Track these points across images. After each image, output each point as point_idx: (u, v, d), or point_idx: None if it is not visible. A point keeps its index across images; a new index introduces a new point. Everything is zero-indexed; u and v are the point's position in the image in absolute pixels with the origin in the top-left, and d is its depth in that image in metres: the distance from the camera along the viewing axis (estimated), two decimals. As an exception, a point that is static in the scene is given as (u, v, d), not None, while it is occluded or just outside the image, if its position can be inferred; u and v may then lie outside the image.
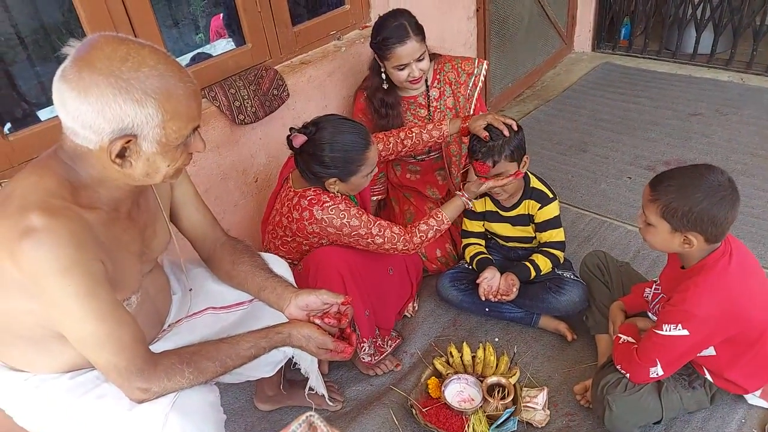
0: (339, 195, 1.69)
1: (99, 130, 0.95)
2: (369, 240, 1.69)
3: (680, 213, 1.35)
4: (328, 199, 1.65)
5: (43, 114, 1.81)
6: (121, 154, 0.99)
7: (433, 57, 2.19)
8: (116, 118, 0.94)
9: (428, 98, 2.20)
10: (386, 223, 1.72)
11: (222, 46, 2.33)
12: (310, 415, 1.37)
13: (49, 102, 1.89)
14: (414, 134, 1.97)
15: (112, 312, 1.02)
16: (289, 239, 1.75)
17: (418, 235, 1.78)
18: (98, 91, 0.92)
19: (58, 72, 0.95)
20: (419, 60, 2.01)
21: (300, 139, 1.62)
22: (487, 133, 1.78)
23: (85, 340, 1.02)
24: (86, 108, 0.93)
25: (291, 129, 1.66)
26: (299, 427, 1.31)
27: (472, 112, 2.21)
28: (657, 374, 1.48)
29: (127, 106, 0.94)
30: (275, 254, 1.61)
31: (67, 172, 1.03)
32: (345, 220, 1.64)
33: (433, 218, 1.81)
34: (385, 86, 2.11)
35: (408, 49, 1.97)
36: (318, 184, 1.67)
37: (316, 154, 1.61)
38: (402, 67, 2.01)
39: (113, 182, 1.06)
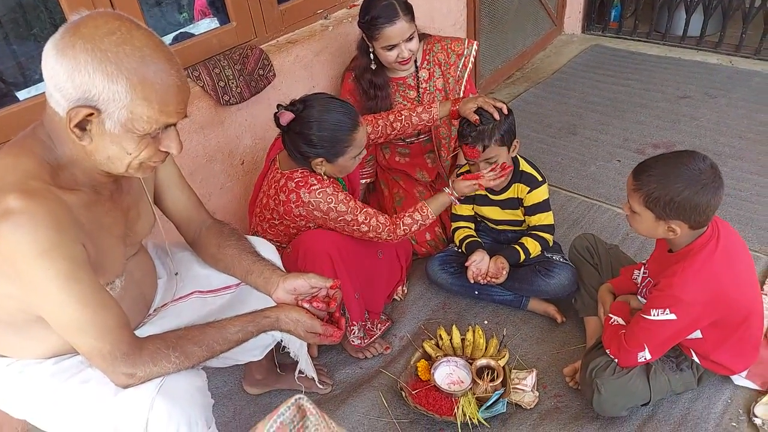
0: (326, 178, 1.66)
1: (66, 95, 0.92)
2: (354, 227, 1.67)
3: (662, 202, 1.35)
4: (315, 181, 1.62)
5: (22, 94, 1.76)
6: (82, 126, 0.95)
7: (423, 37, 2.16)
8: (83, 86, 0.91)
9: (417, 79, 2.17)
10: (373, 212, 1.70)
11: (206, 25, 2.27)
12: (299, 398, 1.36)
13: (27, 82, 1.85)
14: (403, 117, 1.94)
15: (95, 296, 0.99)
16: (276, 222, 1.73)
17: (402, 228, 1.75)
18: (73, 54, 0.90)
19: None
20: (408, 40, 1.98)
21: (287, 117, 1.59)
22: (478, 117, 1.76)
23: (67, 324, 1.00)
24: (59, 69, 0.91)
25: (278, 106, 1.62)
26: (288, 409, 1.30)
27: (461, 94, 2.18)
28: (645, 358, 1.49)
29: (97, 76, 0.91)
30: (263, 237, 1.59)
31: (45, 151, 1.00)
32: (332, 204, 1.62)
33: (419, 212, 1.78)
34: (373, 67, 2.08)
35: (397, 29, 1.93)
36: (305, 164, 1.65)
37: (303, 132, 1.58)
38: (391, 47, 1.98)
39: (83, 162, 1.03)
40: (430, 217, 1.79)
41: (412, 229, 1.77)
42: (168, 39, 2.15)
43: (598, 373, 1.53)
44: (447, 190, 1.84)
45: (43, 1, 1.85)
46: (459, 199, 1.85)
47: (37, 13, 1.87)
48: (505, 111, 1.78)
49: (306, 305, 1.23)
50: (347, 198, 1.65)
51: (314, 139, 1.57)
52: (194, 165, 1.96)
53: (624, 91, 3.40)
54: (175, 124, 1.03)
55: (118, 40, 0.92)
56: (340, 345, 1.94)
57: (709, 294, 1.39)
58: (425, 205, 1.80)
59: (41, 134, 1.01)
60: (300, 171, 1.64)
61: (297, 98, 1.64)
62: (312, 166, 1.64)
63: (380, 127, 1.95)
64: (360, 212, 1.67)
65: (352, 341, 1.85)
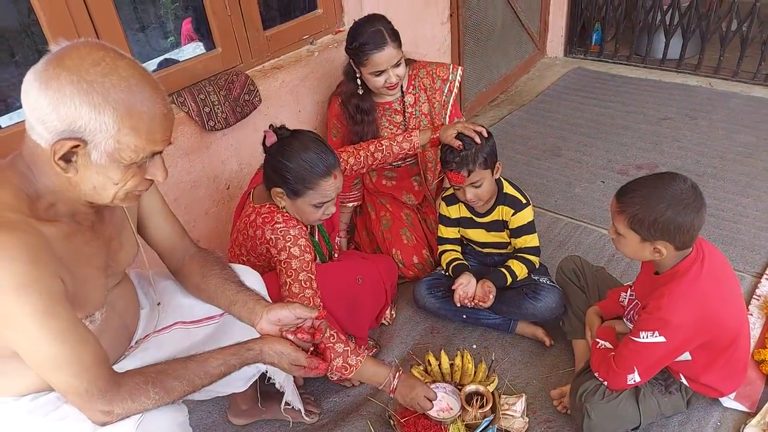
0: (293, 218, 1.63)
1: (50, 127, 0.91)
2: (290, 279, 1.55)
3: (646, 224, 1.36)
4: (280, 219, 1.60)
5: (3, 121, 1.73)
6: (67, 158, 0.94)
7: (408, 63, 2.18)
8: (69, 118, 0.90)
9: (404, 104, 2.18)
10: (314, 292, 1.57)
11: (191, 50, 2.27)
12: None
13: (8, 108, 1.82)
14: (384, 146, 1.95)
15: (72, 332, 0.97)
16: (244, 258, 1.71)
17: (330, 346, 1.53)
18: (58, 85, 0.89)
19: (33, 66, 0.93)
20: (396, 66, 2.00)
21: (271, 138, 1.59)
22: (461, 142, 1.76)
23: (42, 361, 0.97)
24: (43, 100, 0.89)
25: (270, 126, 1.61)
26: None
27: (447, 119, 2.20)
28: (634, 381, 1.48)
29: (83, 108, 0.90)
30: None
31: (24, 183, 0.98)
32: (288, 244, 1.57)
33: (343, 358, 1.53)
34: (360, 92, 2.09)
35: (386, 55, 1.95)
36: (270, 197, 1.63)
37: (275, 157, 1.57)
38: (379, 73, 1.99)
39: (65, 193, 1.01)
40: (348, 373, 1.55)
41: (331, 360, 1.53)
42: (152, 65, 2.15)
43: (588, 398, 1.52)
44: (388, 383, 1.59)
45: (25, 27, 1.83)
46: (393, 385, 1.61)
47: (19, 39, 1.86)
48: (485, 134, 1.79)
49: (290, 336, 1.21)
50: (305, 249, 1.58)
51: (282, 168, 1.55)
52: (178, 191, 1.94)
53: (606, 113, 3.45)
54: (161, 152, 1.03)
55: (104, 71, 0.91)
56: (327, 375, 1.91)
57: (698, 315, 1.39)
58: (356, 368, 1.55)
59: (20, 165, 0.99)
60: (268, 206, 1.63)
61: (289, 128, 1.62)
62: (273, 195, 1.61)
63: (361, 158, 1.94)
64: (305, 276, 1.55)
65: (331, 377, 1.82)
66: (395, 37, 1.98)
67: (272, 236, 1.58)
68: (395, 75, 2.00)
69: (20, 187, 0.97)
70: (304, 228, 1.65)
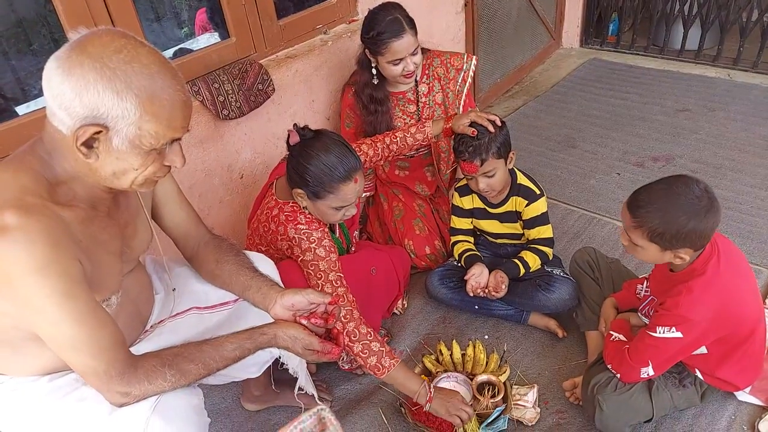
0: (315, 219, 1.63)
1: (73, 113, 0.92)
2: (321, 281, 1.56)
3: (668, 236, 1.34)
4: (303, 221, 1.60)
5: (21, 109, 1.76)
6: (89, 144, 0.95)
7: (423, 52, 2.17)
8: (92, 104, 0.91)
9: (417, 94, 2.18)
10: (346, 290, 1.58)
11: (205, 40, 2.28)
12: (322, 409, 1.36)
13: (26, 97, 1.85)
14: (398, 138, 1.94)
15: (91, 313, 0.98)
16: (263, 249, 1.72)
17: (348, 342, 1.53)
18: (81, 72, 0.90)
19: (54, 53, 0.94)
20: (414, 54, 1.99)
21: (294, 138, 1.58)
22: (475, 129, 1.75)
23: (62, 342, 0.99)
24: (66, 87, 0.90)
25: (294, 125, 1.59)
26: (309, 418, 1.28)
27: (461, 108, 2.19)
28: (648, 374, 1.47)
29: (106, 94, 0.91)
30: None
31: (44, 167, 1.00)
32: (313, 245, 1.57)
33: (377, 356, 1.52)
34: (375, 81, 2.08)
35: (404, 43, 1.94)
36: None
37: (297, 159, 1.56)
38: (397, 61, 1.99)
39: (85, 179, 1.03)
40: (381, 375, 1.53)
41: (353, 351, 1.54)
42: (168, 54, 2.16)
43: (600, 390, 1.52)
44: (429, 387, 1.58)
45: (43, 17, 1.85)
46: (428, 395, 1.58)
47: (37, 28, 1.88)
48: (499, 123, 1.78)
49: (304, 321, 1.22)
50: (330, 249, 1.59)
51: (303, 170, 1.54)
52: (193, 179, 1.96)
53: (622, 104, 3.41)
54: (180, 139, 1.04)
55: (126, 58, 0.92)
56: (338, 363, 1.92)
57: (716, 311, 1.38)
58: (388, 371, 1.53)
59: (40, 150, 1.00)
60: (292, 204, 1.62)
61: (313, 128, 1.60)
62: (294, 195, 1.60)
63: (379, 150, 1.94)
64: (335, 276, 1.57)
65: (342, 366, 1.83)
66: (412, 24, 1.97)
67: (296, 235, 1.58)
68: (413, 63, 2.00)
69: (40, 172, 0.99)
70: (326, 229, 1.65)
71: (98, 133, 0.94)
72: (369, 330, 1.54)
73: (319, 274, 1.56)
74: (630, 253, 1.48)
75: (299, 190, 1.58)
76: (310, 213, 1.63)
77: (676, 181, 1.37)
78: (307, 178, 1.54)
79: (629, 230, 1.41)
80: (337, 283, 1.56)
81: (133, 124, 0.94)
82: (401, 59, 1.98)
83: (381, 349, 1.53)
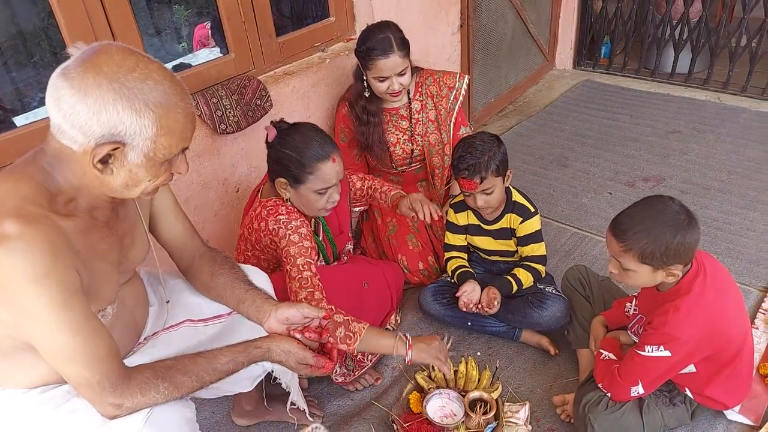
0: (297, 210, 1.66)
1: (88, 132, 0.94)
2: (288, 266, 1.57)
3: (658, 254, 1.36)
4: (284, 211, 1.63)
5: (19, 120, 1.77)
6: (104, 161, 0.97)
7: (416, 70, 2.21)
8: (110, 123, 0.93)
9: (410, 110, 2.22)
10: (313, 274, 1.56)
11: (204, 55, 2.31)
12: (316, 428, 1.35)
13: (24, 108, 1.86)
14: (376, 186, 2.04)
15: (86, 324, 0.99)
16: (249, 253, 1.74)
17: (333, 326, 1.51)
18: (99, 93, 0.91)
19: (58, 69, 0.94)
20: (400, 75, 2.03)
21: (272, 133, 1.64)
22: (414, 215, 1.83)
23: (56, 352, 0.99)
24: (82, 107, 0.92)
25: (271, 122, 1.66)
26: None
27: (452, 125, 2.25)
28: (638, 393, 1.48)
29: (125, 113, 0.93)
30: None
31: (45, 177, 1.01)
32: (288, 232, 1.60)
33: (347, 328, 1.51)
34: (367, 94, 2.12)
35: (390, 62, 1.98)
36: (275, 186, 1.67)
37: (276, 147, 1.62)
38: (383, 79, 2.02)
39: (91, 190, 1.04)
40: (351, 345, 1.50)
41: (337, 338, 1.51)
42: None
43: (591, 408, 1.52)
44: (407, 337, 1.57)
45: (44, 29, 1.88)
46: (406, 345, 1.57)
47: (37, 41, 1.90)
48: (436, 217, 1.82)
49: (298, 336, 1.23)
50: (305, 237, 1.59)
51: (282, 156, 1.60)
52: (189, 192, 1.97)
53: (614, 125, 3.46)
54: (187, 148, 1.07)
55: (141, 76, 0.95)
56: (331, 376, 1.92)
57: (703, 330, 1.40)
58: (360, 335, 1.51)
59: (42, 161, 1.01)
60: (274, 199, 1.66)
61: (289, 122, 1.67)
62: (277, 187, 1.65)
63: (365, 186, 2.05)
64: (303, 257, 1.56)
65: (336, 379, 1.83)
66: (403, 46, 2.01)
67: (275, 226, 1.61)
68: (398, 83, 2.04)
69: (41, 182, 1.00)
70: (307, 222, 1.68)
71: (115, 149, 0.96)
72: (329, 307, 1.53)
73: (289, 258, 1.58)
74: (621, 281, 1.50)
75: (281, 179, 1.62)
76: (292, 205, 1.66)
77: (652, 200, 1.41)
78: (287, 162, 1.59)
79: (618, 256, 1.43)
80: (303, 267, 1.57)
81: (149, 138, 0.97)
82: (387, 77, 2.01)
83: (345, 318, 1.53)
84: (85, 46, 0.96)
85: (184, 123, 1.01)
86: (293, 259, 1.58)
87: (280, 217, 1.62)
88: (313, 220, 1.80)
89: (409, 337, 1.57)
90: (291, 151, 1.58)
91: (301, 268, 1.57)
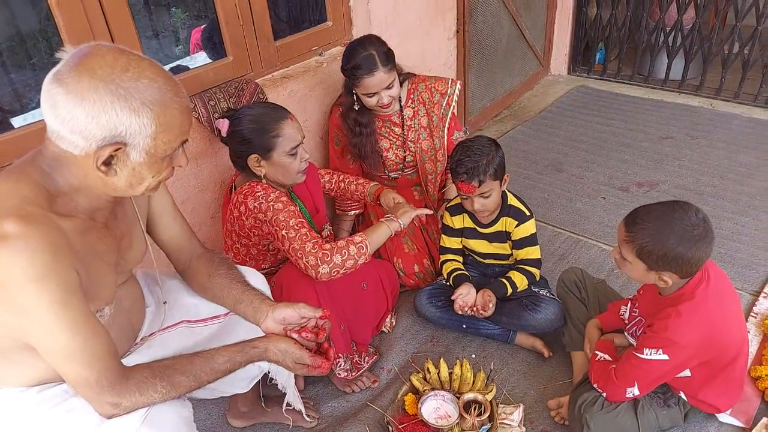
0: (272, 186, 1.70)
1: (89, 136, 0.94)
2: (284, 231, 1.59)
3: (655, 256, 1.38)
4: (260, 189, 1.66)
5: (17, 121, 1.77)
6: (108, 162, 0.98)
7: (408, 77, 2.23)
8: (110, 125, 0.94)
9: (402, 117, 2.23)
10: (307, 234, 1.60)
11: (202, 58, 2.32)
12: None
13: (23, 109, 1.86)
14: (347, 181, 2.13)
15: (86, 323, 0.99)
16: (238, 245, 1.76)
17: (328, 267, 1.58)
18: (96, 97, 0.92)
19: (51, 75, 0.94)
20: (388, 88, 2.04)
21: (224, 124, 1.68)
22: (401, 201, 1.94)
23: (55, 351, 0.99)
24: (80, 112, 0.92)
25: (218, 118, 1.72)
26: None
27: (446, 131, 2.26)
28: (633, 394, 1.50)
29: (124, 114, 0.94)
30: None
31: (45, 178, 1.01)
32: (271, 203, 1.63)
33: (353, 245, 1.63)
34: (357, 107, 2.13)
35: (376, 79, 2.00)
36: (250, 172, 1.70)
37: (234, 131, 1.67)
38: (371, 95, 2.04)
39: (92, 191, 1.05)
40: (368, 252, 1.66)
41: (340, 272, 1.61)
42: (165, 71, 2.19)
43: (587, 408, 1.54)
44: (390, 217, 1.78)
45: (42, 31, 1.88)
46: (401, 226, 1.78)
47: (35, 42, 1.90)
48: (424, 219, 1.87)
49: (295, 336, 1.24)
50: (289, 203, 1.64)
51: (244, 132, 1.65)
52: (186, 194, 1.98)
53: (608, 130, 3.49)
54: (186, 141, 1.08)
55: (134, 75, 0.95)
56: (327, 378, 1.93)
57: (703, 336, 1.41)
58: (365, 239, 1.67)
59: (41, 162, 1.02)
60: (248, 183, 1.69)
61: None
62: (251, 167, 1.68)
63: (333, 181, 2.13)
64: (294, 219, 1.60)
65: (339, 374, 1.84)
66: (388, 60, 2.01)
67: (255, 204, 1.63)
68: (387, 96, 2.06)
69: (40, 183, 1.00)
70: (285, 194, 1.72)
71: (117, 150, 0.97)
72: (330, 246, 1.61)
73: (281, 224, 1.60)
74: (619, 267, 1.52)
75: (252, 156, 1.66)
76: (268, 183, 1.70)
77: (675, 205, 1.40)
78: (251, 137, 1.65)
79: (622, 244, 1.45)
80: (298, 226, 1.60)
81: (149, 136, 0.98)
82: (375, 93, 2.03)
83: (346, 239, 1.66)
84: (74, 49, 0.96)
85: (181, 117, 1.02)
86: (286, 223, 1.60)
87: (258, 194, 1.64)
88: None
89: (391, 216, 1.78)
90: (251, 124, 1.65)
91: (297, 227, 1.60)
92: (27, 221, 0.93)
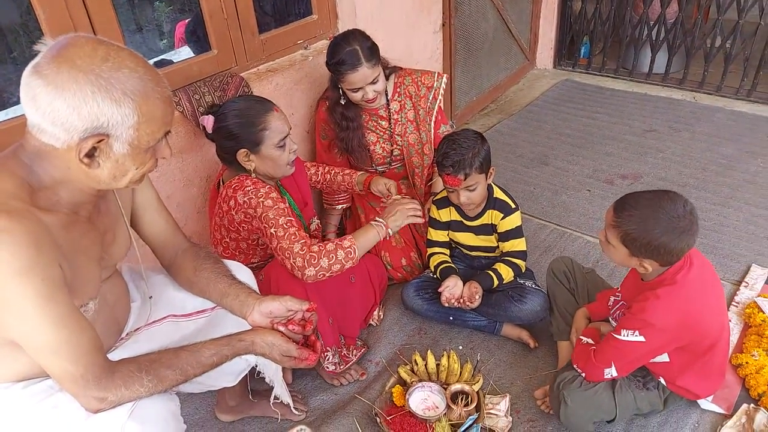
0: (262, 180, 1.70)
1: (70, 128, 0.93)
2: (272, 229, 1.59)
3: (638, 243, 1.40)
4: (249, 183, 1.66)
5: (-1, 116, 1.75)
6: (90, 154, 0.97)
7: (394, 70, 2.23)
8: (92, 117, 0.93)
9: (389, 111, 2.23)
10: (296, 234, 1.59)
11: (186, 52, 2.30)
12: (302, 429, 1.35)
13: (4, 105, 1.84)
14: (333, 172, 2.14)
15: (70, 318, 0.99)
16: (227, 239, 1.76)
17: (315, 269, 1.57)
18: (76, 88, 0.91)
19: (29, 67, 0.93)
20: (373, 83, 2.04)
21: (209, 120, 1.67)
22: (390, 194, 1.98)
23: (40, 346, 0.99)
24: (60, 104, 0.91)
25: (201, 114, 1.70)
26: None
27: (432, 125, 2.27)
28: (611, 375, 1.52)
29: (105, 104, 0.93)
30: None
31: (27, 173, 1.00)
32: (261, 199, 1.62)
33: (342, 250, 1.61)
34: (343, 102, 2.13)
35: (360, 75, 1.99)
36: (239, 167, 1.69)
37: (221, 127, 1.66)
38: (356, 90, 2.04)
39: (75, 184, 1.04)
40: (356, 256, 1.63)
41: (326, 275, 1.59)
42: (148, 65, 2.17)
43: (566, 386, 1.56)
44: (379, 221, 1.72)
45: (23, 25, 1.85)
46: (389, 232, 1.73)
47: (15, 36, 1.88)
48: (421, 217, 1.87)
49: (281, 328, 1.24)
50: (278, 200, 1.63)
51: (231, 127, 1.64)
52: (171, 189, 1.97)
53: (593, 124, 3.52)
54: (169, 132, 1.07)
55: (114, 65, 0.94)
56: (315, 371, 1.93)
57: (680, 320, 1.43)
58: (354, 242, 1.64)
59: (22, 156, 1.01)
60: (237, 177, 1.68)
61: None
62: (240, 162, 1.67)
63: (319, 173, 2.13)
64: (284, 217, 1.60)
65: (327, 367, 1.84)
66: (372, 56, 2.00)
67: (244, 199, 1.63)
68: (372, 91, 2.05)
69: (23, 177, 0.99)
70: (274, 188, 1.72)
71: (99, 142, 0.96)
72: (318, 248, 1.59)
73: (270, 222, 1.60)
74: (603, 250, 1.55)
75: (241, 151, 1.65)
76: (257, 177, 1.69)
77: (665, 195, 1.42)
78: (238, 131, 1.64)
79: (608, 228, 1.48)
80: (287, 225, 1.60)
81: (132, 127, 0.97)
82: (360, 88, 2.03)
83: (335, 242, 1.63)
84: (52, 41, 0.95)
85: (163, 107, 1.01)
86: (275, 221, 1.60)
87: (248, 189, 1.64)
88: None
89: (380, 220, 1.72)
90: (237, 119, 1.64)
91: (286, 226, 1.59)
92: (9, 216, 0.92)
